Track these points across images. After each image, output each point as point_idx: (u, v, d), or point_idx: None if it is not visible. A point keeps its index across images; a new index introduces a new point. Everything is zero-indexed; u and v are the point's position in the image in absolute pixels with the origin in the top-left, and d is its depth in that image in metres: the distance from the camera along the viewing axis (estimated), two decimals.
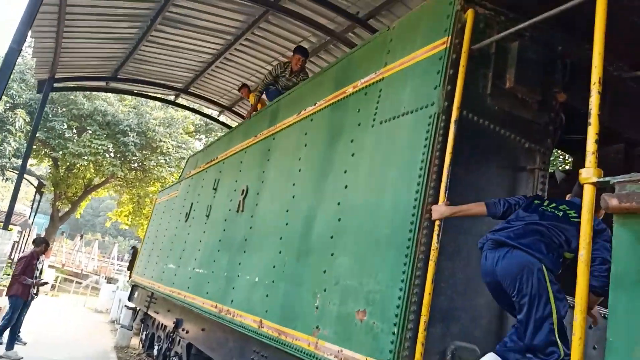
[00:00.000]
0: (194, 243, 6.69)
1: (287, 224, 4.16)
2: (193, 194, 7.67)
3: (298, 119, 4.71)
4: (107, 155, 22.90)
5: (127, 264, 13.32)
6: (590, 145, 1.70)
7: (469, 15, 2.87)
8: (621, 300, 1.54)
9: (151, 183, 24.36)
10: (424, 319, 2.48)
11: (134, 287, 10.65)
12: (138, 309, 10.10)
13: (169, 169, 23.35)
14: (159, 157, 23.03)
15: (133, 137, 21.93)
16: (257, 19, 9.21)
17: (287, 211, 4.25)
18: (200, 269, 6.05)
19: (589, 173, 1.67)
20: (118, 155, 23.27)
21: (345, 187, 3.50)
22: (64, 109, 22.25)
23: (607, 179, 1.65)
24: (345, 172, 3.58)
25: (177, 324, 6.61)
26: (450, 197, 2.64)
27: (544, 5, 2.67)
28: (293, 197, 4.25)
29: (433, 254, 2.56)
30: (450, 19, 2.96)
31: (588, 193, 1.66)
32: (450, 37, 2.91)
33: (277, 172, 4.81)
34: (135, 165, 24.38)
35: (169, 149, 22.97)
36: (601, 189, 1.71)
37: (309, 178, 4.10)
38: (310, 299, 3.39)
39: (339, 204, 3.51)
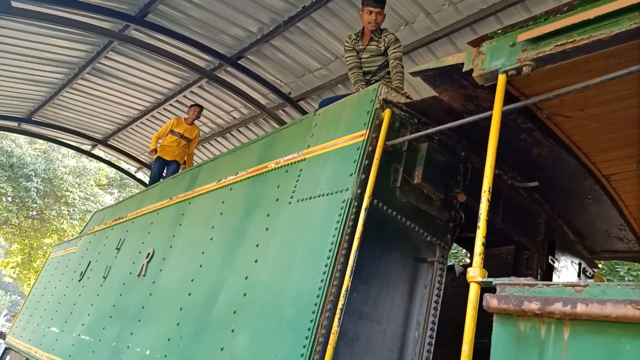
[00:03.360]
0: (84, 306, 6.12)
1: (189, 294, 3.98)
2: (93, 252, 7.14)
3: (217, 187, 4.68)
4: (4, 199, 20.95)
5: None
6: (478, 247, 1.86)
7: (387, 114, 3.14)
8: None
9: (48, 234, 22.33)
10: None
11: (7, 349, 9.36)
12: None
13: (71, 221, 21.69)
14: (62, 208, 21.41)
15: (37, 182, 20.38)
16: (190, 84, 9.33)
17: (192, 280, 4.08)
18: (86, 336, 5.50)
19: (475, 272, 1.82)
20: (17, 200, 21.35)
21: (256, 261, 3.46)
22: None
23: (490, 279, 1.80)
24: (257, 245, 3.56)
25: None
26: (353, 283, 2.71)
27: (450, 116, 3.00)
28: (200, 266, 4.11)
29: (332, 338, 2.56)
30: (370, 114, 3.21)
31: (473, 291, 1.80)
32: (368, 131, 3.14)
33: (188, 238, 4.67)
34: (34, 213, 22.42)
35: (75, 199, 21.50)
36: (485, 288, 1.86)
37: (220, 248, 4.02)
38: None
39: (246, 278, 3.44)
